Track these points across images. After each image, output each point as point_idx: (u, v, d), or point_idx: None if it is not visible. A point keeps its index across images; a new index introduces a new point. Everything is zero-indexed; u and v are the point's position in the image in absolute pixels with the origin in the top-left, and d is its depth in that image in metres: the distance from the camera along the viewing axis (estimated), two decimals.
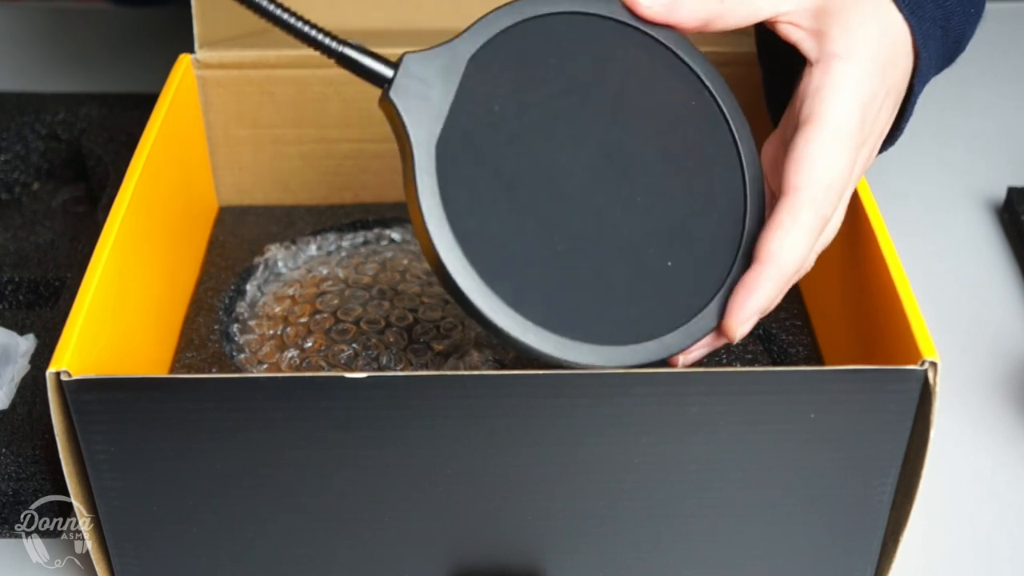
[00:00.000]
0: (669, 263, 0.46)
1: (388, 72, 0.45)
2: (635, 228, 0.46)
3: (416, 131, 0.44)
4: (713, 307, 0.47)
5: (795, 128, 0.47)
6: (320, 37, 0.44)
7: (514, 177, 0.45)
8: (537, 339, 0.44)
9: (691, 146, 0.48)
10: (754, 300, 0.46)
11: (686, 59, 0.47)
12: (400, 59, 0.45)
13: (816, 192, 0.46)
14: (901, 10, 0.49)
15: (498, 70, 0.45)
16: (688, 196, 0.47)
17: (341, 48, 0.45)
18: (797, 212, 0.46)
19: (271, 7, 0.43)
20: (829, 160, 0.46)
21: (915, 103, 0.52)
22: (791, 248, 0.46)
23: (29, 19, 0.96)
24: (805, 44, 0.48)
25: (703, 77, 0.48)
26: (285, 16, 0.44)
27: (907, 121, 0.52)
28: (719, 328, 0.47)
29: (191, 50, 0.65)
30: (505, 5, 0.46)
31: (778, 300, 0.47)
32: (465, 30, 0.45)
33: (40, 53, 0.92)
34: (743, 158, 0.48)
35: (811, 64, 0.48)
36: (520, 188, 0.45)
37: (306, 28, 0.44)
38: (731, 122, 0.48)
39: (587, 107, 0.46)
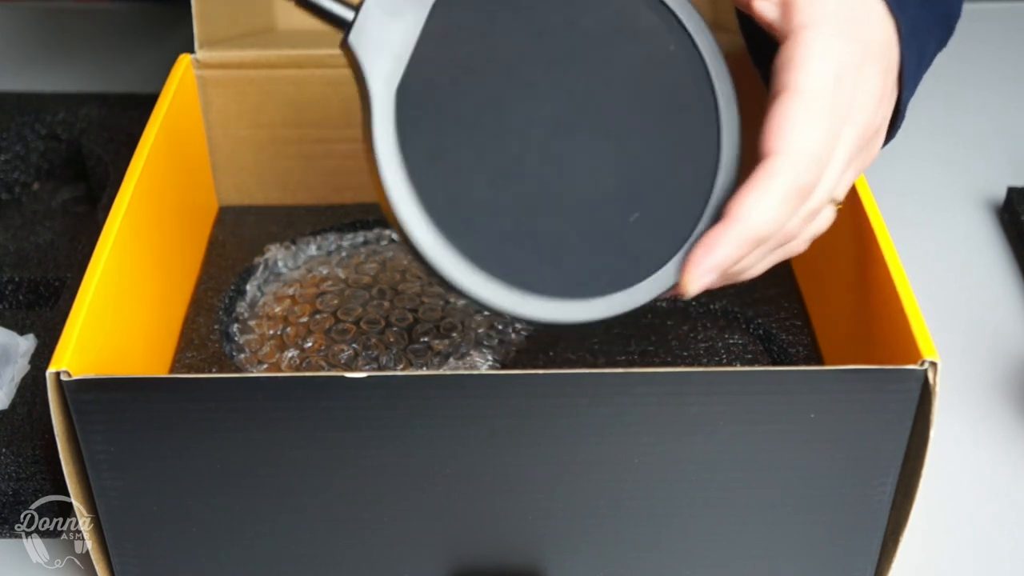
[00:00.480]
0: (633, 217, 0.45)
1: (349, 15, 0.43)
2: (601, 180, 0.45)
3: (375, 79, 0.43)
4: (674, 263, 0.46)
5: (773, 99, 0.46)
6: None
7: (475, 125, 0.43)
8: (494, 294, 0.43)
9: (666, 98, 0.46)
10: (712, 257, 0.45)
11: (674, 9, 0.45)
12: (362, 1, 0.43)
13: (793, 157, 0.44)
14: None
15: (466, 12, 0.43)
16: (659, 149, 0.46)
17: None
18: (772, 175, 0.44)
19: None
20: (805, 124, 0.45)
21: (914, 79, 0.51)
22: (761, 210, 0.44)
23: (29, 19, 0.96)
24: (776, 22, 0.47)
25: (690, 30, 0.46)
26: None
27: (907, 101, 0.50)
28: (676, 283, 0.46)
29: (191, 50, 0.65)
30: None
31: (744, 263, 0.46)
32: None
33: (40, 53, 0.92)
34: (720, 114, 0.46)
35: (782, 41, 0.47)
36: (482, 137, 0.43)
37: None
38: (713, 78, 0.46)
39: (558, 53, 0.44)
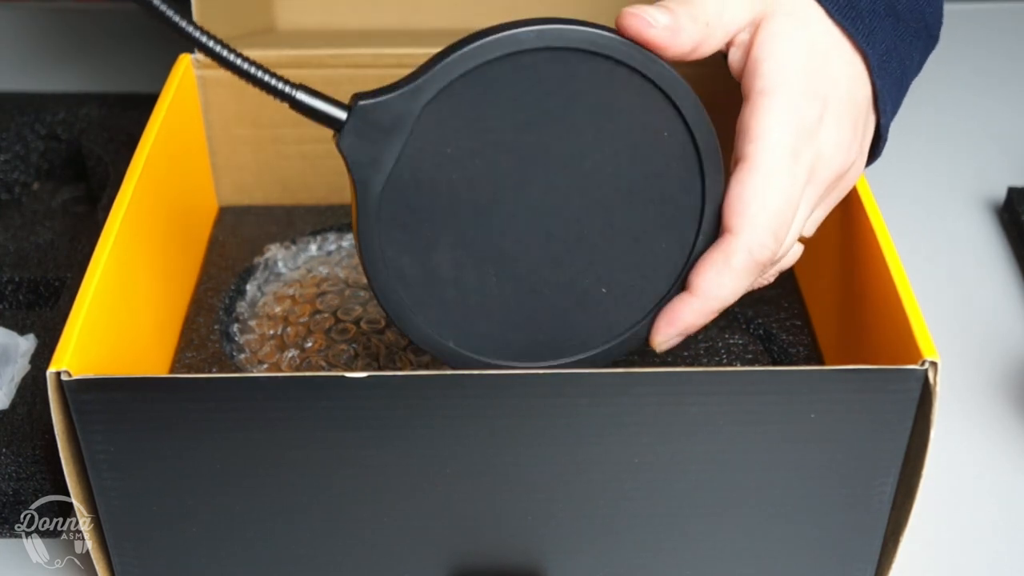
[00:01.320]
0: (604, 290, 0.48)
1: (341, 115, 0.44)
2: (577, 259, 0.47)
3: (363, 181, 0.45)
4: (644, 327, 0.49)
5: (733, 166, 0.47)
6: (273, 82, 0.44)
7: (457, 215, 0.46)
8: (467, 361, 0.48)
9: (652, 177, 0.47)
10: (676, 326, 0.48)
11: (665, 88, 0.46)
12: (353, 103, 0.44)
13: (750, 235, 0.46)
14: (831, 16, 0.48)
15: (455, 112, 0.45)
16: (638, 226, 0.47)
17: (294, 92, 0.44)
18: (730, 254, 0.47)
19: (223, 51, 0.43)
20: (762, 200, 0.46)
21: (893, 102, 0.51)
22: (719, 286, 0.47)
23: (29, 19, 0.96)
24: (739, 77, 0.48)
25: (681, 107, 0.46)
26: (238, 61, 0.43)
27: (886, 125, 0.51)
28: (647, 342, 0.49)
29: (191, 50, 0.65)
30: (470, 47, 0.44)
31: (704, 324, 0.49)
32: (424, 70, 0.45)
33: (40, 53, 0.92)
34: (706, 190, 0.47)
35: (744, 100, 0.48)
36: (462, 226, 0.46)
37: (259, 73, 0.44)
38: (702, 153, 0.47)
39: (545, 140, 0.46)
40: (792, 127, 0.46)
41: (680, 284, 0.48)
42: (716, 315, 0.48)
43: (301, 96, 0.44)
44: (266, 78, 0.44)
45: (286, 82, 0.44)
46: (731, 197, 0.47)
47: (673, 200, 0.47)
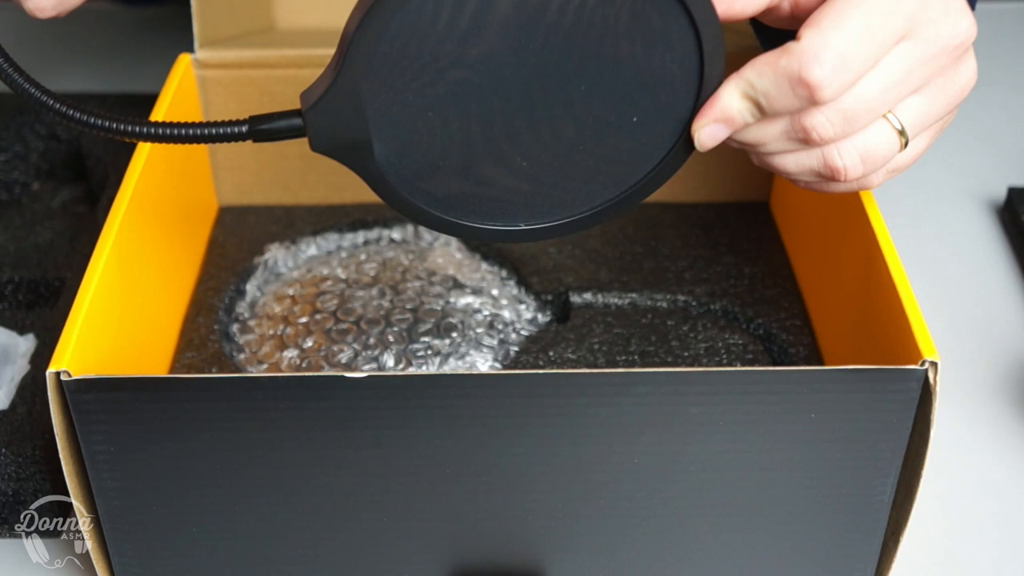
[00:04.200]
0: (591, 162, 0.46)
1: (298, 122, 0.45)
2: (569, 130, 0.45)
3: (357, 166, 0.46)
4: (624, 198, 0.48)
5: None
6: (222, 130, 0.45)
7: (459, 133, 0.45)
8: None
9: (645, 48, 0.45)
10: (714, 108, 0.45)
11: None
12: (303, 114, 0.45)
13: (810, 44, 0.42)
14: None
15: (396, 56, 0.44)
16: (630, 100, 0.45)
17: (245, 128, 0.45)
18: (782, 53, 0.43)
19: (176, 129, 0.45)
20: (838, 19, 0.42)
21: None
22: (760, 75, 0.43)
23: (29, 19, 0.96)
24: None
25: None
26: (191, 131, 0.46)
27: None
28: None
29: (191, 50, 0.65)
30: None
31: (761, 135, 0.45)
32: (343, 47, 0.44)
33: (40, 53, 0.92)
34: (704, 60, 0.45)
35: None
36: (469, 139, 0.45)
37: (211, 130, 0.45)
38: (698, 24, 0.44)
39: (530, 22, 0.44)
40: None
41: (667, 162, 0.47)
42: (756, 109, 0.44)
43: (260, 127, 0.45)
44: (215, 130, 0.46)
45: (240, 122, 0.46)
46: (809, 17, 0.43)
47: (669, 77, 0.45)
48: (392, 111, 0.45)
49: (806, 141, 0.45)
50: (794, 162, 0.46)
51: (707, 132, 0.45)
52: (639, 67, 0.45)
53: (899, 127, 0.46)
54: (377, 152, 0.45)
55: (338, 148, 0.45)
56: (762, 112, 0.45)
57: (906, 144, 0.46)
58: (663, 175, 0.47)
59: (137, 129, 0.46)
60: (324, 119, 0.45)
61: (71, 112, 0.45)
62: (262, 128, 0.45)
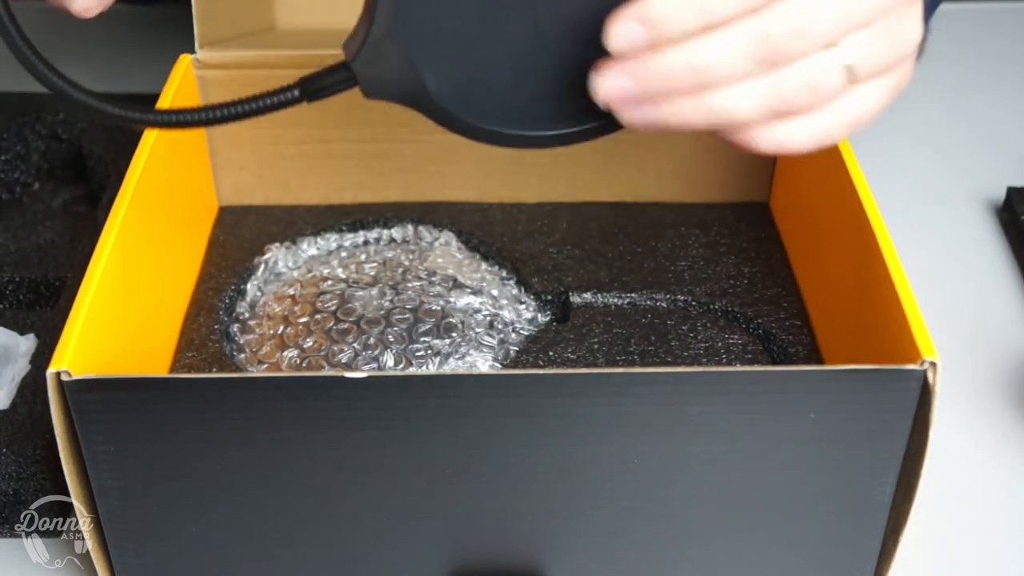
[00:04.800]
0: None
1: (348, 74, 0.45)
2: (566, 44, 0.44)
3: (415, 104, 0.45)
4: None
5: None
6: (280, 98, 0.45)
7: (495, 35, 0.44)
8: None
9: None
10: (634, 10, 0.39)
11: None
12: (349, 65, 0.45)
13: None
14: None
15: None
16: None
17: (297, 92, 0.45)
18: None
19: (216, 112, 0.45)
20: None
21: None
22: None
23: (29, 19, 0.96)
24: None
25: None
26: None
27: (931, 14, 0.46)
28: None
29: (191, 50, 0.65)
30: None
31: (703, 57, 0.40)
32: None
33: (40, 53, 0.92)
34: None
35: None
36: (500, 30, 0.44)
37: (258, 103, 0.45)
38: None
39: None
40: None
41: None
42: (677, 33, 0.40)
43: (309, 88, 0.45)
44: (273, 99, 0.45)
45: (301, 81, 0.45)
46: None
47: None
48: (434, 39, 0.44)
49: (762, 49, 0.41)
50: (744, 97, 0.42)
51: (622, 31, 0.40)
52: None
53: (846, 60, 0.42)
54: (430, 85, 0.45)
55: (391, 91, 0.45)
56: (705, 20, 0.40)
57: (854, 81, 0.43)
58: None
59: (194, 116, 0.45)
60: (371, 65, 0.44)
61: (128, 113, 0.46)
62: (314, 88, 0.45)
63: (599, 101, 0.42)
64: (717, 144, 0.69)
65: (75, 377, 0.45)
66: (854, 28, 0.42)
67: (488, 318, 0.62)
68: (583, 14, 0.44)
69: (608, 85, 0.41)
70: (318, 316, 0.62)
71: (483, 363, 0.59)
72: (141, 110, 0.46)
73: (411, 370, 0.58)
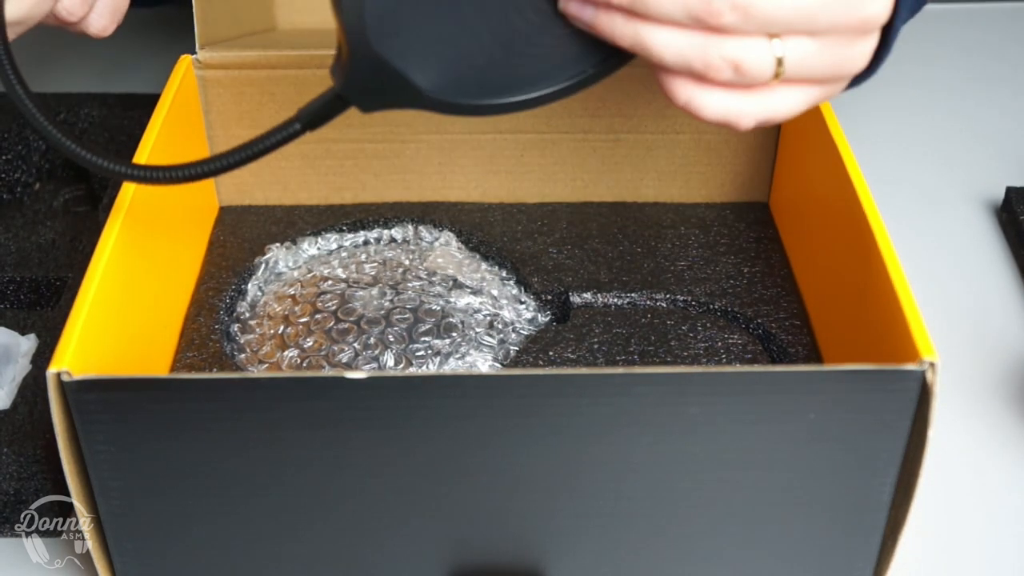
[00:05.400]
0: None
1: (340, 100, 0.46)
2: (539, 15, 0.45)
3: (412, 102, 0.46)
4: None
5: None
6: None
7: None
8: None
9: None
10: None
11: None
12: (341, 92, 0.46)
13: None
14: None
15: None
16: None
17: (299, 126, 0.47)
18: None
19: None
20: None
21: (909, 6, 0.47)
22: None
23: None
24: None
25: None
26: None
27: (898, 27, 0.47)
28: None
29: (192, 50, 0.66)
30: None
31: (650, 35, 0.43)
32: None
33: (40, 53, 0.92)
34: None
35: None
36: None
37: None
38: None
39: None
40: None
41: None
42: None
43: (308, 120, 0.47)
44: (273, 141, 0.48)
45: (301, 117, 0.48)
46: None
47: None
48: (410, 42, 0.45)
49: (699, 9, 0.43)
50: (674, 45, 0.44)
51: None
52: None
53: (779, 54, 0.44)
54: (421, 83, 0.45)
55: (386, 101, 0.46)
56: None
57: (778, 76, 0.45)
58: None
59: (205, 168, 0.48)
60: (358, 85, 0.46)
61: (151, 174, 0.48)
62: (313, 118, 0.47)
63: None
64: (717, 144, 0.69)
65: (75, 377, 0.45)
66: (802, 33, 0.44)
67: (488, 318, 0.62)
68: None
69: None
70: (318, 316, 0.62)
71: (483, 363, 0.59)
72: (163, 169, 0.48)
73: (411, 370, 0.58)
